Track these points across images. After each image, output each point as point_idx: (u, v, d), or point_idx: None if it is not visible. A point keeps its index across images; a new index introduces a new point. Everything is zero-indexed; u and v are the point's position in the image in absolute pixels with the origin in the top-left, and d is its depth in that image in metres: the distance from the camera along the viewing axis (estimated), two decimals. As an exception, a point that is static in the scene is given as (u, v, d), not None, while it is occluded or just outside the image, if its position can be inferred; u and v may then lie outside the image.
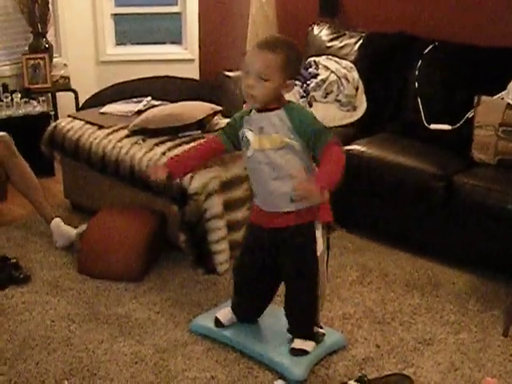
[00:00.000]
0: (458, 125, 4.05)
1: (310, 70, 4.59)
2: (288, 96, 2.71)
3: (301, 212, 2.69)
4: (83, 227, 3.80)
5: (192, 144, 3.74)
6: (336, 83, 4.48)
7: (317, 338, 2.89)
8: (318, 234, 2.76)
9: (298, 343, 2.85)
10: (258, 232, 2.83)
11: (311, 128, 2.59)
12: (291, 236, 2.73)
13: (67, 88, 5.48)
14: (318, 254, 2.77)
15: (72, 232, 3.84)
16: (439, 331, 3.14)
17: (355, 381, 2.65)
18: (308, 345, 2.85)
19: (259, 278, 2.90)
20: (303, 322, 2.89)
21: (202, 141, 3.10)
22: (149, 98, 4.60)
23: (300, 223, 2.71)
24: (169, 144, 3.82)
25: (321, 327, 2.93)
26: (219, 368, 2.84)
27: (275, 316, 3.00)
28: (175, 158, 2.98)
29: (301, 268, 2.78)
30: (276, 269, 2.85)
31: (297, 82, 4.56)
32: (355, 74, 4.56)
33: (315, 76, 4.55)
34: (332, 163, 2.53)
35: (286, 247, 2.76)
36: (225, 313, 3.05)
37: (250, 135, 2.68)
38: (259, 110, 2.65)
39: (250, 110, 2.71)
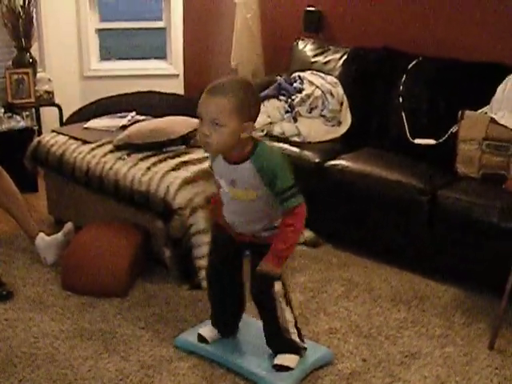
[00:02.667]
0: (443, 139, 4.06)
1: (295, 84, 4.61)
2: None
3: (269, 237, 2.70)
4: (68, 225, 3.81)
5: (177, 159, 3.75)
6: (321, 98, 4.49)
7: (300, 352, 2.87)
8: None
9: (281, 359, 2.83)
10: (223, 235, 2.84)
11: (280, 187, 2.56)
12: (256, 249, 2.75)
13: (51, 103, 5.47)
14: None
15: (58, 236, 3.81)
16: (425, 345, 3.13)
17: (342, 396, 2.64)
18: (290, 360, 2.83)
19: (230, 277, 2.92)
20: (274, 337, 2.87)
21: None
22: (133, 113, 4.59)
23: (265, 243, 2.70)
24: (153, 159, 3.81)
25: (302, 341, 2.90)
26: (205, 384, 2.82)
27: (259, 331, 2.98)
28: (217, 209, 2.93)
29: (260, 286, 2.78)
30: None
31: (281, 97, 4.58)
32: (340, 89, 4.57)
33: (300, 91, 4.56)
34: (286, 241, 2.62)
35: (251, 251, 2.81)
36: (208, 329, 3.04)
37: (223, 184, 2.68)
38: (227, 160, 2.62)
39: None
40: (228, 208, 2.75)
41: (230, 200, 2.70)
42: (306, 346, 2.90)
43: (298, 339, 2.86)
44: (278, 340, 2.85)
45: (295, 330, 2.85)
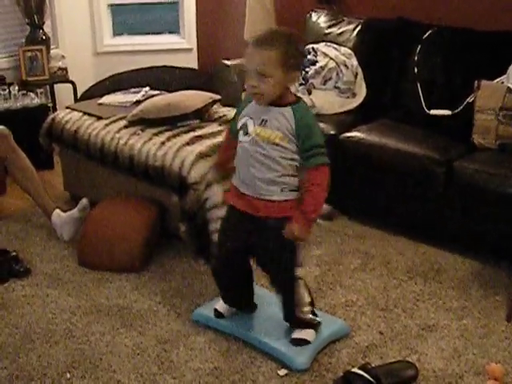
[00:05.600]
0: (458, 110, 4.03)
1: (309, 57, 4.57)
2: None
3: (282, 204, 2.65)
4: (83, 201, 3.81)
5: (191, 134, 3.74)
6: (335, 70, 4.46)
7: (315, 327, 2.87)
8: None
9: (298, 333, 2.84)
10: (236, 215, 2.77)
11: (310, 142, 2.58)
12: (271, 228, 2.67)
13: (65, 79, 5.46)
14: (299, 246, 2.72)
15: (74, 212, 3.82)
16: (442, 317, 3.13)
17: (359, 368, 2.64)
18: (308, 334, 2.84)
19: (239, 260, 2.88)
20: (291, 315, 2.86)
21: (223, 138, 3.10)
22: (147, 88, 4.58)
23: (282, 216, 2.65)
24: (167, 134, 3.80)
25: (315, 315, 2.89)
26: (222, 358, 2.83)
27: (276, 305, 2.98)
28: (219, 161, 3.04)
29: (278, 261, 2.74)
30: (250, 250, 2.85)
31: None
32: (354, 61, 4.53)
33: (314, 63, 4.53)
34: (316, 202, 2.61)
35: (264, 238, 2.72)
36: (223, 303, 3.04)
37: (250, 124, 2.63)
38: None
39: (251, 98, 2.67)
40: (246, 160, 2.65)
41: (249, 148, 2.62)
42: (320, 320, 2.90)
43: (312, 316, 2.86)
44: (295, 318, 2.85)
45: (310, 308, 2.86)
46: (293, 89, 2.67)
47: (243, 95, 4.45)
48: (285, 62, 2.50)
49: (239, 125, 2.69)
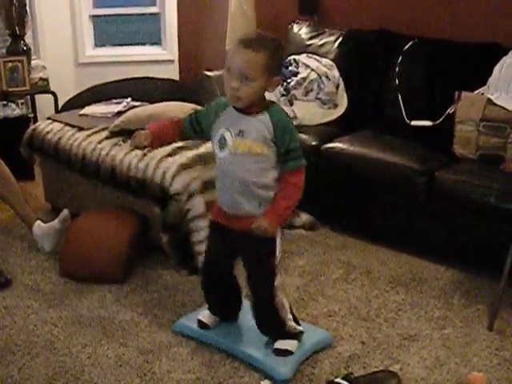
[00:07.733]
0: (439, 121, 4.05)
1: (291, 68, 4.59)
2: (269, 95, 2.65)
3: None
4: (64, 212, 3.79)
5: (173, 145, 3.73)
6: (316, 81, 4.48)
7: (298, 336, 2.87)
8: (278, 239, 2.70)
9: (280, 344, 2.82)
10: (220, 230, 2.77)
11: (288, 146, 2.56)
12: (252, 239, 2.66)
13: (46, 90, 5.44)
14: (277, 260, 2.72)
15: (55, 223, 3.79)
16: (424, 327, 3.13)
17: (342, 378, 2.64)
18: (291, 344, 2.82)
19: (226, 273, 2.90)
20: (272, 327, 2.85)
21: (172, 119, 2.92)
22: (129, 99, 4.57)
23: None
24: (149, 145, 3.79)
25: (298, 324, 2.89)
26: (204, 369, 2.82)
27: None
28: (156, 127, 2.83)
29: (258, 271, 2.74)
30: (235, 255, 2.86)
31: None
32: (335, 72, 4.55)
33: (295, 74, 4.54)
34: (289, 198, 2.59)
35: (246, 250, 2.74)
36: (207, 314, 3.02)
37: (228, 136, 2.59)
38: (239, 110, 2.58)
39: (225, 105, 2.63)
40: (225, 177, 2.64)
41: (228, 163, 2.60)
42: (302, 329, 2.89)
43: (293, 324, 2.85)
44: (277, 329, 2.84)
45: (291, 316, 2.84)
46: (274, 97, 2.66)
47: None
48: (270, 66, 2.48)
49: (216, 138, 2.63)
